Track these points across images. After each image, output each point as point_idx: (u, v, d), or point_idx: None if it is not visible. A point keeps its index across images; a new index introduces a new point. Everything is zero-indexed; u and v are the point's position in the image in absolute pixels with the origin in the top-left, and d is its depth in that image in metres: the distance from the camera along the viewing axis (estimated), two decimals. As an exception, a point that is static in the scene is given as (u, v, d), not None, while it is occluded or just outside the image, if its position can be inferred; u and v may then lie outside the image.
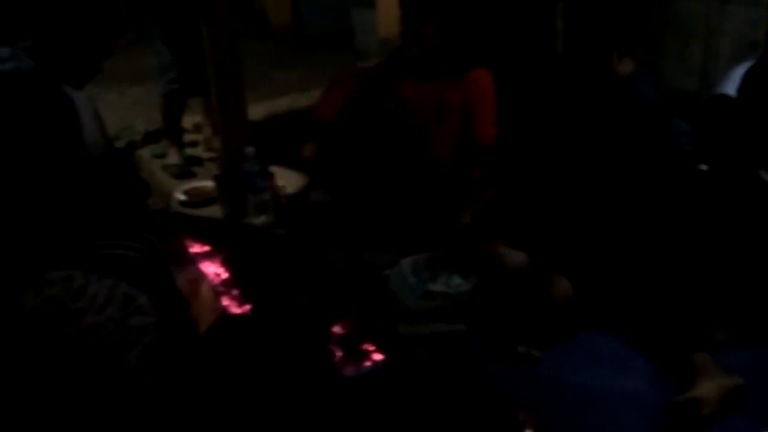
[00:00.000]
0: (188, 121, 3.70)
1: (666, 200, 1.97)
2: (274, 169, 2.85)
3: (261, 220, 2.73)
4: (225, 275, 2.24)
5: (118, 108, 4.60)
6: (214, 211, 2.88)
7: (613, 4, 1.94)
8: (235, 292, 2.13)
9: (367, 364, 1.85)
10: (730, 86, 1.95)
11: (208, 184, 3.01)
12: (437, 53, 2.62)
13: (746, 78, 1.88)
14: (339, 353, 1.87)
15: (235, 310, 2.05)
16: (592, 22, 1.93)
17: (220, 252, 2.39)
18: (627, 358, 1.89)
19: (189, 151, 3.57)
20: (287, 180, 3.00)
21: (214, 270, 2.28)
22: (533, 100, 2.38)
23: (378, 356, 1.86)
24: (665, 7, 3.30)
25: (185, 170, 3.37)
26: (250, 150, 2.70)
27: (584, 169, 2.02)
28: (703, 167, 1.97)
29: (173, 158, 3.42)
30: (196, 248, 2.43)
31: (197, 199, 2.98)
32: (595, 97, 2.00)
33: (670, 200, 1.97)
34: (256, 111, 3.94)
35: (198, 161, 3.51)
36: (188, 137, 3.70)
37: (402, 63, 2.77)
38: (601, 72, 1.95)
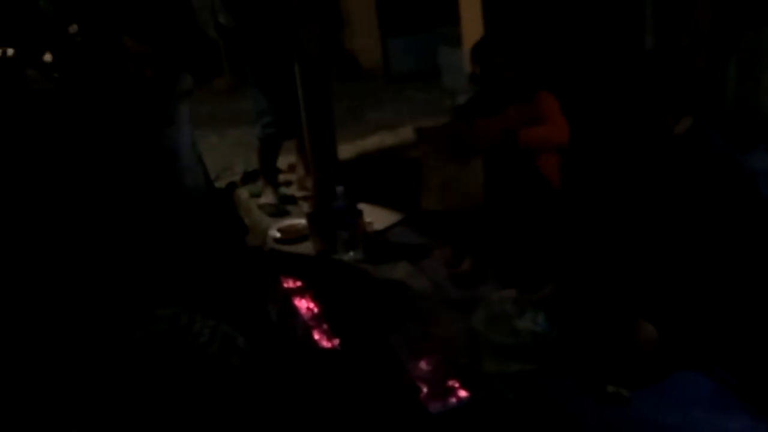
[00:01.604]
0: (283, 161, 3.88)
1: (750, 242, 1.90)
2: (363, 207, 2.95)
3: (350, 255, 2.83)
4: (316, 310, 2.34)
5: (219, 149, 4.87)
6: (307, 247, 3.01)
7: (666, 70, 1.91)
8: (325, 326, 2.22)
9: (453, 400, 1.87)
10: None
11: (301, 221, 3.15)
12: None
13: None
14: (425, 389, 1.90)
15: (325, 344, 2.13)
16: (645, 89, 1.90)
17: (311, 287, 2.49)
18: (722, 400, 1.82)
19: (283, 190, 3.73)
20: (375, 217, 3.09)
21: (306, 305, 2.38)
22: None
23: (463, 393, 1.88)
24: (757, 35, 3.19)
25: (280, 209, 3.52)
26: (340, 189, 2.81)
27: (660, 220, 1.98)
28: None
29: (269, 197, 3.58)
30: (289, 284, 2.55)
31: (291, 236, 3.12)
32: (657, 157, 1.97)
33: (755, 242, 1.90)
34: (347, 150, 4.08)
35: (292, 200, 3.66)
36: (283, 177, 3.87)
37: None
38: (659, 134, 1.92)
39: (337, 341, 2.14)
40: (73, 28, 2.15)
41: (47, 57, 2.10)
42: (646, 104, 1.88)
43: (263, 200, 3.61)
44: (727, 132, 1.97)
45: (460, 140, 2.72)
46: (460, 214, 2.72)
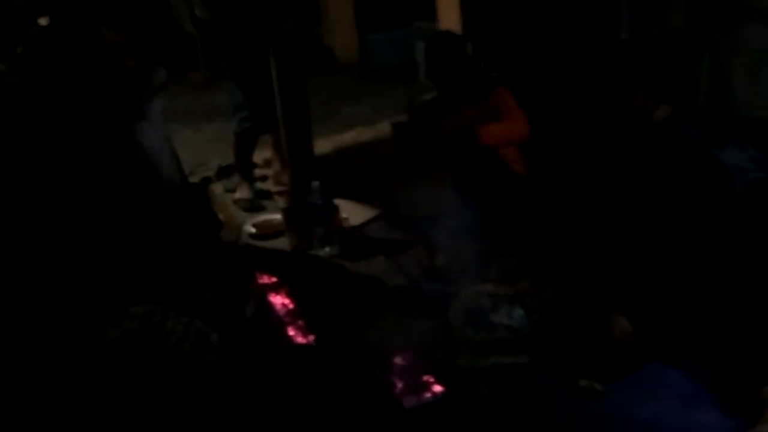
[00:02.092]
0: (259, 156, 3.84)
1: (724, 237, 1.92)
2: (339, 202, 2.94)
3: (326, 251, 2.82)
4: (291, 306, 2.32)
5: (194, 144, 4.82)
6: (282, 242, 2.99)
7: (649, 53, 1.92)
8: (300, 322, 2.21)
9: (427, 395, 1.87)
10: None
11: (277, 217, 3.12)
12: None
13: None
14: (399, 384, 1.90)
15: (300, 340, 2.12)
16: (626, 71, 1.91)
17: (287, 283, 2.48)
18: (694, 392, 1.84)
19: (259, 185, 3.70)
20: (351, 212, 3.09)
21: (281, 301, 2.36)
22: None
23: (438, 388, 1.89)
24: (732, 32, 3.23)
25: (255, 204, 3.49)
26: (315, 184, 2.80)
27: (634, 210, 1.99)
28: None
29: (244, 192, 3.55)
30: (264, 279, 2.53)
31: (266, 231, 3.10)
32: (633, 145, 1.98)
33: (729, 237, 1.92)
34: (323, 145, 4.06)
35: (267, 195, 3.64)
36: (259, 172, 3.84)
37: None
38: (637, 120, 1.93)
39: (312, 337, 2.13)
40: (45, 20, 2.11)
41: (19, 49, 2.06)
42: (625, 88, 1.88)
43: (238, 195, 3.58)
44: (699, 127, 1.99)
45: (419, 145, 2.77)
46: (434, 215, 2.75)
